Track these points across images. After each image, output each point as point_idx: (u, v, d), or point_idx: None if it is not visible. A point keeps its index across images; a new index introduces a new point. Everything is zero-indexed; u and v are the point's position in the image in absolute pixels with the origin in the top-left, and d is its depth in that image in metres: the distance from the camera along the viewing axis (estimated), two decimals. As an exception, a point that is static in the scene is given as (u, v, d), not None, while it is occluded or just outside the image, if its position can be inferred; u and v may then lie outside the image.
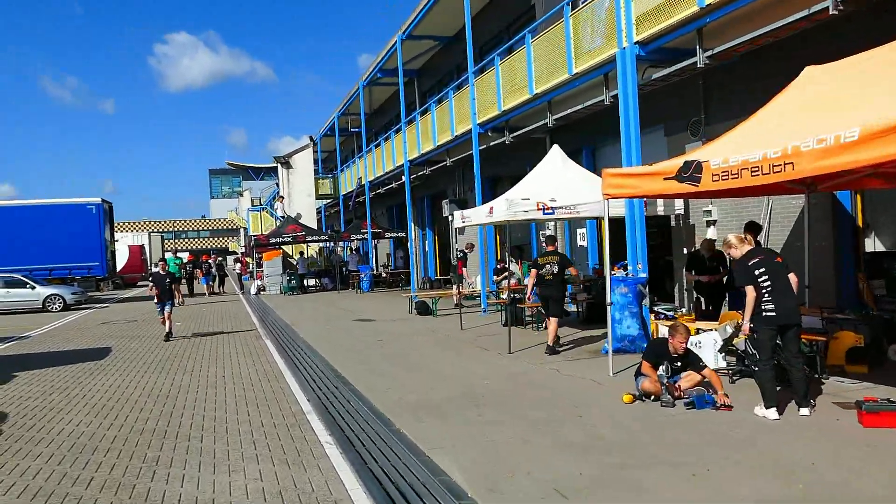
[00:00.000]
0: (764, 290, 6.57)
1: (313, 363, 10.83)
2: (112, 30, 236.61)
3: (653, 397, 7.15)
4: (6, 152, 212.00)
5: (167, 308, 14.60)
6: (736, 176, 6.40)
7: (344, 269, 29.76)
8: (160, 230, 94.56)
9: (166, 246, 77.10)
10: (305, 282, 30.30)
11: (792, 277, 6.84)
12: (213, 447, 6.36)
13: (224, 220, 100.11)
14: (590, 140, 15.12)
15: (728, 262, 10.07)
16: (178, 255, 23.88)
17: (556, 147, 12.72)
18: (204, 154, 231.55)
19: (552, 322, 10.65)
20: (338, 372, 9.92)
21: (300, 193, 33.07)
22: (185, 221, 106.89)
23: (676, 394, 7.08)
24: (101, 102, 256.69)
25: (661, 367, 7.20)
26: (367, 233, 28.69)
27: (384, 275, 29.65)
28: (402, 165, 23.75)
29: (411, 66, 25.98)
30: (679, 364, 7.19)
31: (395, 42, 22.91)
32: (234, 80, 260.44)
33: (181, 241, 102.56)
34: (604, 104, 12.28)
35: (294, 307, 21.96)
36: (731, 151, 6.65)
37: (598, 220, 15.29)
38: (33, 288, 24.43)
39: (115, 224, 33.60)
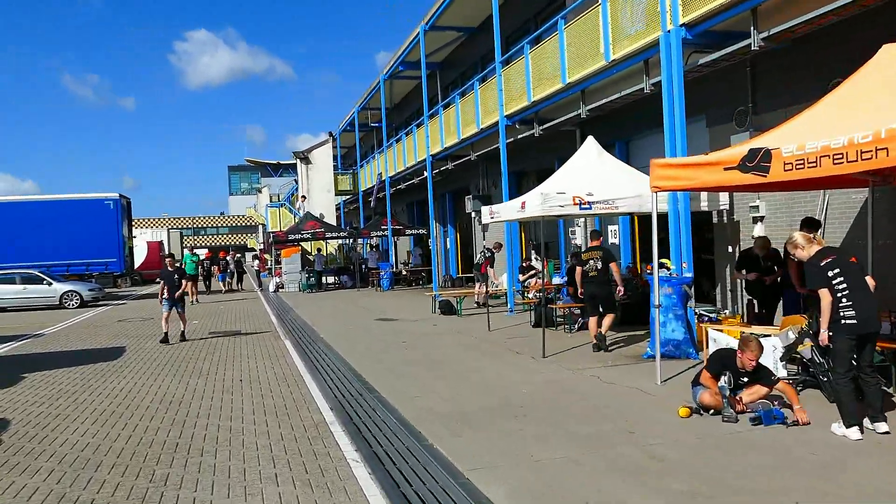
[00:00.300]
0: (840, 294, 5.85)
1: (335, 366, 10.23)
2: (132, 28, 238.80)
3: (712, 411, 6.45)
4: (30, 150, 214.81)
5: (177, 308, 13.80)
6: (814, 164, 5.68)
7: (363, 266, 29.21)
8: (179, 226, 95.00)
9: (185, 242, 77.25)
10: (324, 279, 29.79)
11: (869, 280, 6.13)
12: (227, 464, 5.76)
13: (243, 216, 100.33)
14: (624, 132, 14.38)
15: (784, 262, 9.33)
16: (195, 251, 23.28)
17: (591, 139, 12.00)
18: (223, 152, 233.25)
19: (608, 317, 10.39)
20: (361, 376, 9.31)
21: (319, 189, 32.59)
22: (204, 218, 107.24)
23: (739, 408, 6.38)
24: (121, 100, 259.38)
25: (721, 378, 6.49)
26: (386, 230, 28.10)
27: (404, 272, 29.06)
28: (425, 160, 23.11)
29: (434, 58, 25.33)
30: (746, 380, 6.47)
31: (418, 33, 22.27)
32: (253, 78, 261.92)
33: (200, 237, 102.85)
34: (643, 93, 11.54)
35: (313, 305, 21.42)
36: (804, 138, 5.93)
37: (632, 215, 14.59)
38: (50, 284, 24.12)
39: (135, 220, 33.42)
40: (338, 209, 37.40)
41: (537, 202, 10.32)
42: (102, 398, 8.64)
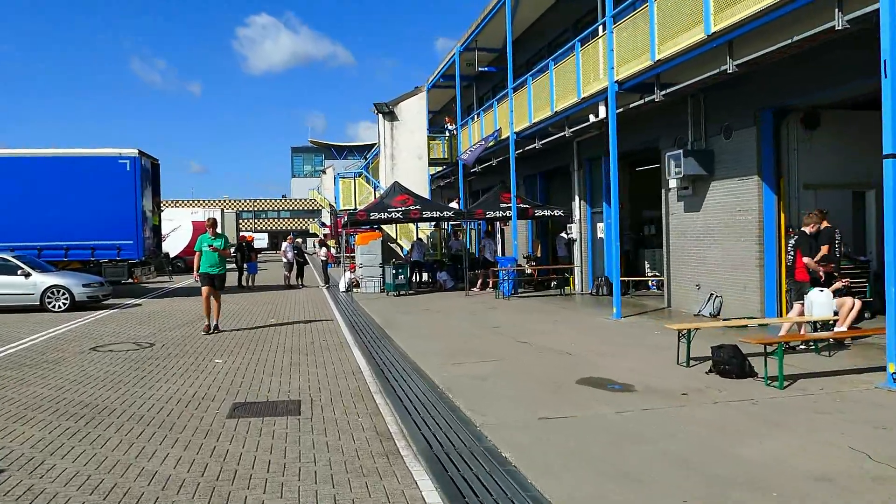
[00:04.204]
0: None
1: None
2: (197, 12, 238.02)
3: None
4: (101, 131, 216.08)
5: None
6: None
7: (477, 260, 20.69)
8: (240, 209, 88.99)
9: (242, 225, 70.46)
10: (416, 276, 21.47)
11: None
12: None
13: (305, 200, 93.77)
14: None
15: None
16: (218, 233, 12.82)
17: None
18: (284, 138, 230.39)
19: None
20: None
21: (407, 154, 24.23)
22: (264, 201, 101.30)
23: None
24: (188, 85, 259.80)
25: None
26: (509, 209, 19.48)
27: (528, 270, 20.37)
28: (593, 98, 14.42)
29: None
30: None
31: None
32: (313, 65, 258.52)
33: (261, 220, 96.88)
34: None
35: (420, 326, 12.99)
36: None
37: None
38: (27, 276, 16.44)
39: (190, 202, 25.98)
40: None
41: None
42: None
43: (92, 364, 9.57)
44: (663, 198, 15.10)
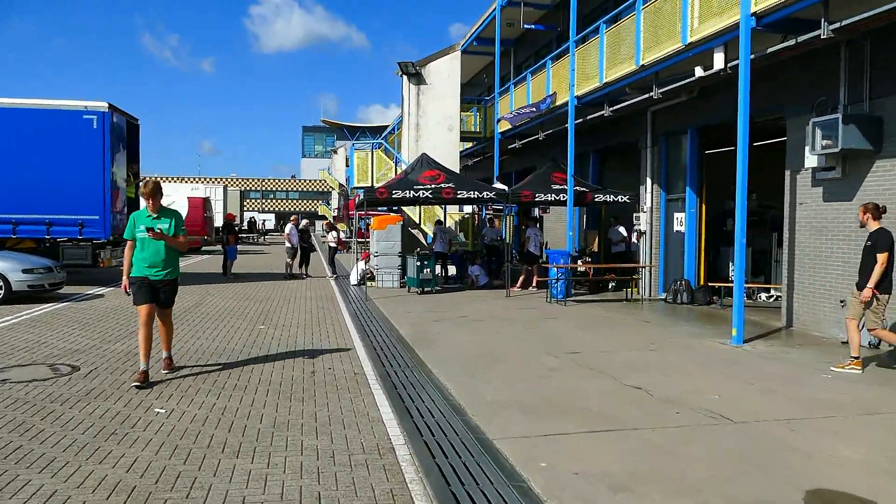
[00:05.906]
0: None
1: None
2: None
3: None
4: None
5: None
6: None
7: (517, 252, 17.00)
8: (247, 188, 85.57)
9: (248, 205, 66.92)
10: (443, 270, 17.79)
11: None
12: None
13: (315, 181, 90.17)
14: None
15: None
16: (164, 205, 7.11)
17: None
18: (295, 119, 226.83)
19: None
20: None
21: (435, 125, 20.43)
22: (272, 181, 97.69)
23: None
24: (200, 62, 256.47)
25: None
26: (563, 192, 15.72)
27: (581, 267, 16.60)
28: (688, 50, 10.64)
29: None
30: None
31: None
32: (327, 45, 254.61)
33: (268, 201, 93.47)
34: None
35: (465, 347, 9.26)
36: None
37: None
38: (-49, 257, 12.83)
39: (193, 179, 22.26)
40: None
41: None
42: None
43: (-47, 410, 5.91)
44: (788, 182, 11.29)
